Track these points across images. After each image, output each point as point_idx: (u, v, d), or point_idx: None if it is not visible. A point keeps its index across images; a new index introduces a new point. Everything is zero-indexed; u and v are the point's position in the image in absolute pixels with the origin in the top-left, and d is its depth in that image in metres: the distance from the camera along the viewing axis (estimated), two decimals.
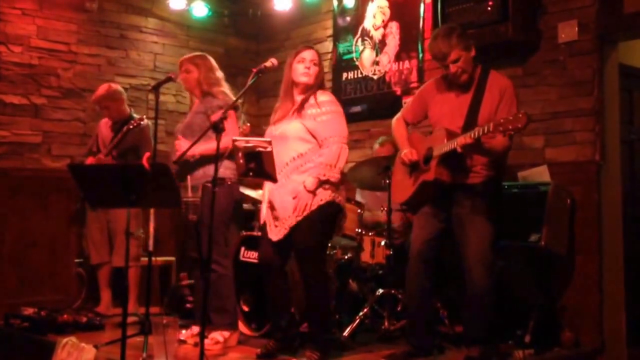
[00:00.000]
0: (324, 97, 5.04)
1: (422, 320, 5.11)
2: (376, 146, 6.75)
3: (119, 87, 7.03)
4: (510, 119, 4.36)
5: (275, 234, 4.99)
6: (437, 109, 5.11)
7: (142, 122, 6.46)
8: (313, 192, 4.84)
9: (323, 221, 4.94)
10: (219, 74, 5.76)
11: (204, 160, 5.36)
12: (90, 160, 6.93)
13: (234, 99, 5.43)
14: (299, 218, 4.88)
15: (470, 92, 4.97)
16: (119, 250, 6.82)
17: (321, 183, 4.86)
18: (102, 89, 6.92)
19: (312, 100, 5.02)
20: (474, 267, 4.85)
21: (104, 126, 7.04)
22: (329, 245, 5.85)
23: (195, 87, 5.71)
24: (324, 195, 4.91)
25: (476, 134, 4.53)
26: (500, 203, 5.07)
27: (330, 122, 4.95)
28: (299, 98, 5.10)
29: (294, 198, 4.87)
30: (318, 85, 5.11)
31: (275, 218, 5.01)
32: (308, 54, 5.13)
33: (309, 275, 4.95)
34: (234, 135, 5.08)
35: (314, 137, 4.96)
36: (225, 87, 5.71)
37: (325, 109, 4.98)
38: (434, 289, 5.17)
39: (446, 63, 4.90)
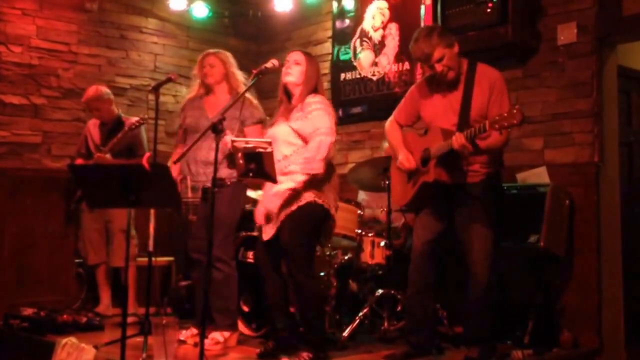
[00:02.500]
0: (312, 98, 5.02)
1: (422, 320, 5.11)
2: (385, 144, 6.71)
3: (106, 89, 7.04)
4: (505, 115, 4.36)
5: (267, 233, 5.04)
6: (429, 109, 5.10)
7: (142, 124, 6.47)
8: (301, 189, 4.85)
9: (304, 222, 4.92)
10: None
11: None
12: (79, 162, 6.94)
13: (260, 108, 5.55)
14: (282, 217, 4.90)
15: (460, 88, 4.96)
16: (116, 250, 6.84)
17: (311, 177, 4.85)
18: (90, 90, 6.93)
19: (300, 104, 5.03)
20: (478, 267, 4.86)
21: (93, 127, 7.06)
22: (329, 246, 5.87)
23: (220, 82, 5.68)
24: (305, 197, 4.91)
25: (471, 133, 4.54)
26: (501, 201, 5.08)
27: (313, 118, 4.93)
28: (295, 101, 5.12)
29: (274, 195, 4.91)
30: (311, 88, 5.09)
31: (266, 218, 5.04)
32: (291, 56, 5.18)
33: (294, 275, 4.95)
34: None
35: (300, 137, 4.96)
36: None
37: (311, 108, 4.96)
38: (435, 289, 5.18)
39: (431, 63, 4.90)
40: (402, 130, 5.28)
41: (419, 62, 5.11)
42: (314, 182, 4.90)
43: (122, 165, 5.59)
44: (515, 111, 4.32)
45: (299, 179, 4.84)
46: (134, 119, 6.62)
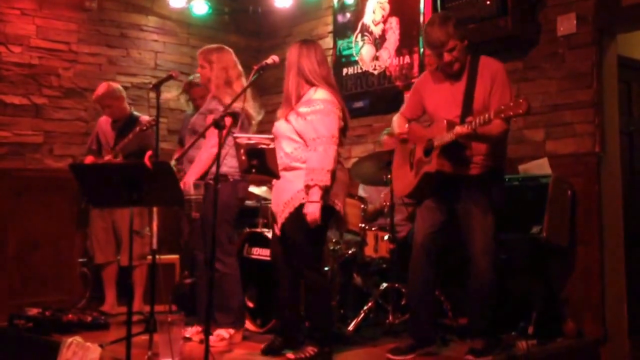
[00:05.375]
0: (316, 94, 4.93)
1: (425, 312, 5.11)
2: (382, 137, 6.73)
3: (118, 85, 7.03)
4: (510, 105, 4.36)
5: (276, 229, 5.05)
6: (432, 101, 5.11)
7: (154, 125, 6.41)
8: (321, 201, 4.78)
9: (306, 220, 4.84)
10: (234, 71, 5.64)
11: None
12: (90, 159, 6.95)
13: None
14: (286, 215, 4.90)
15: (463, 80, 4.97)
16: (126, 249, 6.83)
17: (324, 188, 4.78)
18: (101, 88, 6.91)
19: (306, 97, 4.96)
20: (481, 259, 4.87)
21: (105, 124, 7.04)
22: (333, 240, 5.88)
23: (206, 84, 5.67)
24: (305, 195, 4.85)
25: (475, 123, 4.55)
26: (503, 193, 5.08)
27: (314, 122, 4.85)
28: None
29: (289, 200, 4.90)
30: (294, 80, 4.99)
31: (276, 213, 5.05)
32: None
33: (303, 271, 4.98)
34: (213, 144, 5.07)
35: (301, 137, 4.91)
36: (238, 87, 5.57)
37: (310, 109, 4.88)
38: (436, 281, 5.19)
39: (442, 51, 4.90)
40: (409, 123, 5.30)
41: (430, 48, 5.06)
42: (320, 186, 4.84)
43: (124, 164, 5.61)
44: (521, 101, 4.32)
45: (314, 196, 4.76)
46: (146, 117, 6.59)
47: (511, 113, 4.35)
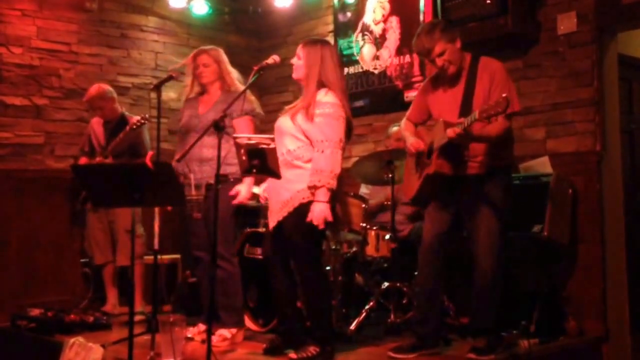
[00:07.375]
0: (325, 97, 4.88)
1: (430, 313, 5.12)
2: (390, 130, 6.68)
3: (109, 87, 7.04)
4: (491, 104, 4.39)
5: (270, 224, 5.04)
6: (435, 105, 5.13)
7: (144, 123, 6.46)
8: (326, 201, 4.76)
9: (307, 220, 4.82)
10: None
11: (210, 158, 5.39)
12: (83, 160, 6.97)
13: (253, 101, 5.49)
14: (285, 214, 4.89)
15: (462, 83, 4.98)
16: (122, 249, 6.84)
17: (329, 190, 4.77)
18: (92, 89, 6.93)
19: (316, 98, 4.90)
20: (483, 259, 4.88)
21: (97, 125, 7.06)
22: (335, 240, 5.88)
23: (214, 81, 5.68)
24: (305, 194, 4.84)
25: (464, 124, 4.56)
26: (509, 193, 5.06)
27: (322, 124, 4.82)
28: (303, 96, 5.03)
29: (288, 200, 4.88)
30: (313, 81, 4.93)
31: (271, 210, 5.05)
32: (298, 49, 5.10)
33: (299, 271, 4.98)
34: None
35: (306, 136, 4.89)
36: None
37: (319, 111, 4.84)
38: (442, 282, 5.19)
39: (432, 57, 4.91)
40: (416, 127, 5.30)
41: (420, 57, 5.11)
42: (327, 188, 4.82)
43: (125, 165, 5.61)
44: (501, 100, 4.33)
45: (323, 196, 4.76)
46: (136, 117, 6.61)
47: (492, 112, 4.37)
